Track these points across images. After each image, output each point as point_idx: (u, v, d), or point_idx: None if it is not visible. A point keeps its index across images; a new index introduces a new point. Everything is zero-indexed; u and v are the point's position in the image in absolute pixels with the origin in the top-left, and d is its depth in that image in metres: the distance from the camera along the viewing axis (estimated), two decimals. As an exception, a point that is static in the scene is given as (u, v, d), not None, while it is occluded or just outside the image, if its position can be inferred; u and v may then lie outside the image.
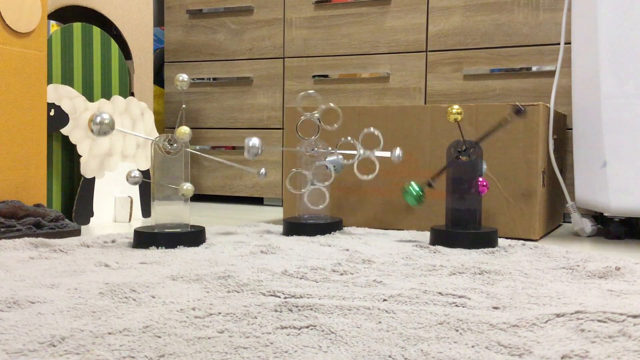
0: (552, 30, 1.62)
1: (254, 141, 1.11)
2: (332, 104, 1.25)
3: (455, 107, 1.12)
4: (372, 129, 1.25)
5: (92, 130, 1.02)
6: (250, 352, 0.54)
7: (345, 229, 1.32)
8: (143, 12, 1.68)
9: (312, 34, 1.89)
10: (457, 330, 0.61)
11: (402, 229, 1.38)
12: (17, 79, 1.23)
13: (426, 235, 1.26)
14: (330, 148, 1.27)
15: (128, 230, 1.36)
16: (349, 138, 1.26)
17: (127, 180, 1.09)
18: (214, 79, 2.02)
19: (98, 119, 1.01)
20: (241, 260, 0.95)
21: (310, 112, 1.27)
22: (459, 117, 1.12)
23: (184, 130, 1.08)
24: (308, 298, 0.72)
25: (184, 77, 1.10)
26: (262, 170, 1.14)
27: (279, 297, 0.73)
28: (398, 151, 1.23)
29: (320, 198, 1.26)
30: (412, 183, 1.16)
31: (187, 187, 1.09)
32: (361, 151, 1.24)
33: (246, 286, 0.77)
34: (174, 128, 2.09)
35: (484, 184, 1.12)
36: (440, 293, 0.75)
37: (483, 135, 1.15)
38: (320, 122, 1.26)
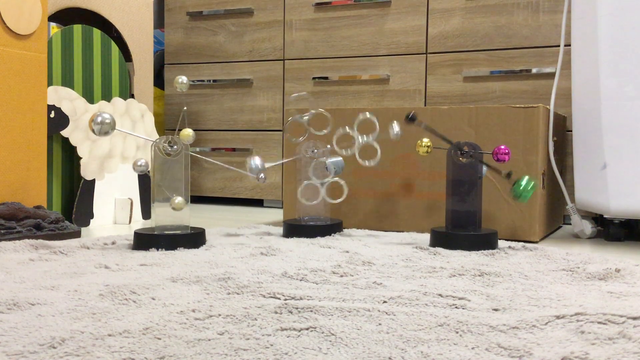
0: (552, 32, 1.63)
1: (256, 161, 1.11)
2: (322, 110, 1.25)
3: (425, 140, 1.18)
4: (367, 114, 1.24)
5: (93, 130, 1.02)
6: (250, 354, 0.54)
7: (345, 230, 1.32)
8: (143, 14, 1.68)
9: (312, 36, 1.89)
10: (457, 332, 0.61)
11: (402, 231, 1.38)
12: (17, 81, 1.23)
13: (426, 237, 1.26)
14: (329, 146, 1.27)
15: (128, 232, 1.36)
16: (347, 128, 1.25)
17: (134, 169, 1.09)
18: (214, 80, 2.02)
19: (99, 119, 1.02)
20: (241, 262, 0.95)
21: (301, 113, 1.27)
22: (429, 150, 1.18)
23: (188, 133, 1.08)
24: (308, 300, 0.72)
25: (183, 79, 1.10)
26: (262, 175, 1.14)
27: (279, 298, 0.73)
28: (397, 127, 1.21)
29: (314, 194, 1.25)
30: (521, 183, 1.08)
31: (179, 201, 1.08)
32: (359, 139, 1.23)
33: (246, 288, 0.77)
34: (174, 130, 2.09)
35: (506, 151, 1.09)
36: (440, 295, 0.75)
37: (431, 130, 1.16)
38: (308, 125, 1.26)
